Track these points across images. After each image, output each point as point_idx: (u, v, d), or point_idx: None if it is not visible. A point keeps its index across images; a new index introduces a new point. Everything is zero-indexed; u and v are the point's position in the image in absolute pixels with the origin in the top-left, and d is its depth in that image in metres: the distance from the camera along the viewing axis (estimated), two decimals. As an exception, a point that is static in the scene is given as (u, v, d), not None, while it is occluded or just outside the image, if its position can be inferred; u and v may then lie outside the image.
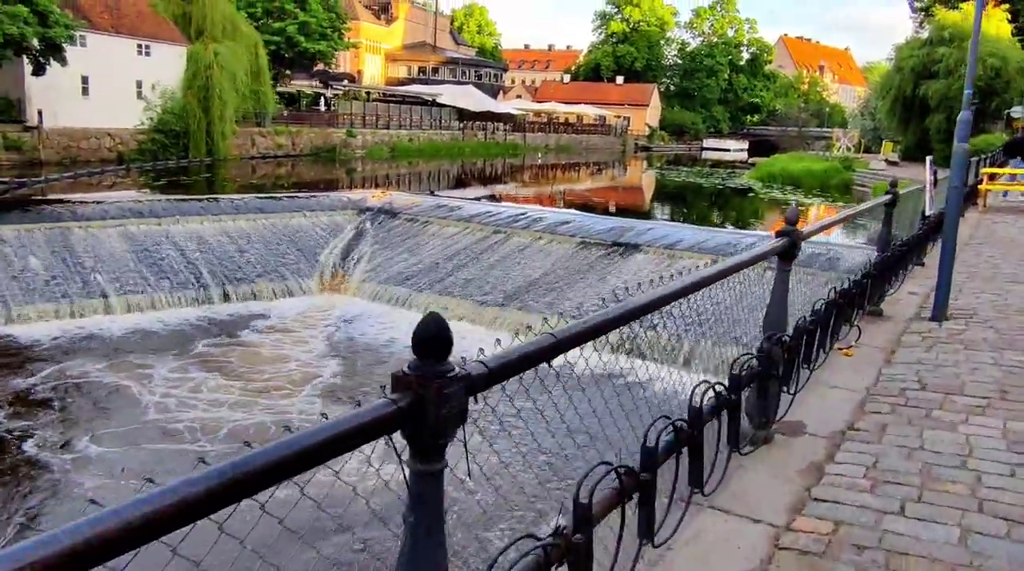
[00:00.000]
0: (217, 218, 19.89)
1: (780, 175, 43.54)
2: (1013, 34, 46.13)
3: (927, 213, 8.13)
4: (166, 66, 36.52)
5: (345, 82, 55.28)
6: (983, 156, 20.52)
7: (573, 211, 25.57)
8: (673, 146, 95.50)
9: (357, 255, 20.71)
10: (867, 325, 5.90)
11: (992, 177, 16.40)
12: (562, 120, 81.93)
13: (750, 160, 66.25)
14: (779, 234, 4.06)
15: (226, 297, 17.27)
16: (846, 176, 42.10)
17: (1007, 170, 17.26)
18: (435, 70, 73.77)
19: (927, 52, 47.03)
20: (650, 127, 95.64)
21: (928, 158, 8.11)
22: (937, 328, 5.94)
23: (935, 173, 8.28)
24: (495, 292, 18.41)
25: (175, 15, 39.03)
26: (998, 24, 47.61)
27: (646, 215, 31.57)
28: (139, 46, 37.40)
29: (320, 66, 58.63)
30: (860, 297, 5.21)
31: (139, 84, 36.49)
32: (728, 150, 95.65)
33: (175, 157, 36.14)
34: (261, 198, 22.54)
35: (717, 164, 68.81)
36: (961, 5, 48.37)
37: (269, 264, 18.94)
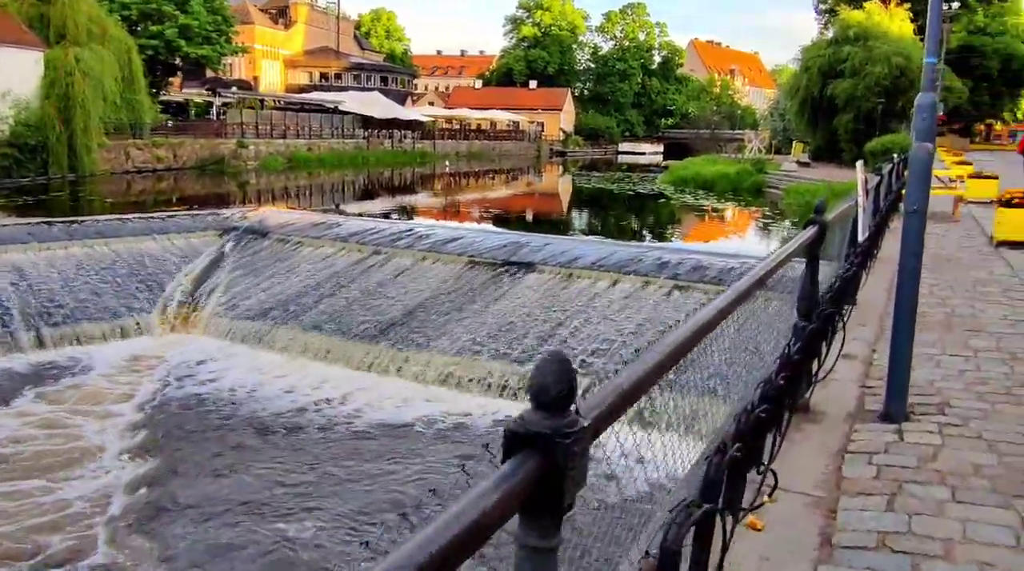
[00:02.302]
0: (45, 246, 16.71)
1: (693, 179, 42.21)
2: (915, 33, 46.00)
3: (860, 238, 6.07)
4: (18, 73, 32.62)
5: (234, 89, 51.61)
6: (902, 157, 19.02)
7: (464, 226, 23.26)
8: (589, 151, 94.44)
9: (212, 285, 17.75)
10: (790, 436, 3.69)
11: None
12: (474, 126, 79.79)
13: (665, 163, 65.38)
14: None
15: (39, 343, 14.16)
16: (758, 178, 41.02)
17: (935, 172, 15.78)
18: (338, 76, 70.51)
19: (833, 52, 46.60)
20: (565, 132, 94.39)
21: (859, 163, 5.98)
22: (895, 440, 3.77)
23: (867, 181, 6.20)
24: (368, 324, 15.80)
25: (30, 17, 35.08)
26: (900, 23, 47.55)
27: (554, 225, 29.48)
28: (-17, 51, 33.33)
29: (213, 73, 54.91)
30: (776, 417, 2.99)
31: (-16, 94, 32.51)
32: (644, 154, 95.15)
33: (32, 174, 32.31)
34: (104, 220, 19.38)
35: (633, 168, 67.62)
36: (865, 4, 48.13)
37: (101, 300, 15.84)
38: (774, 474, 2.92)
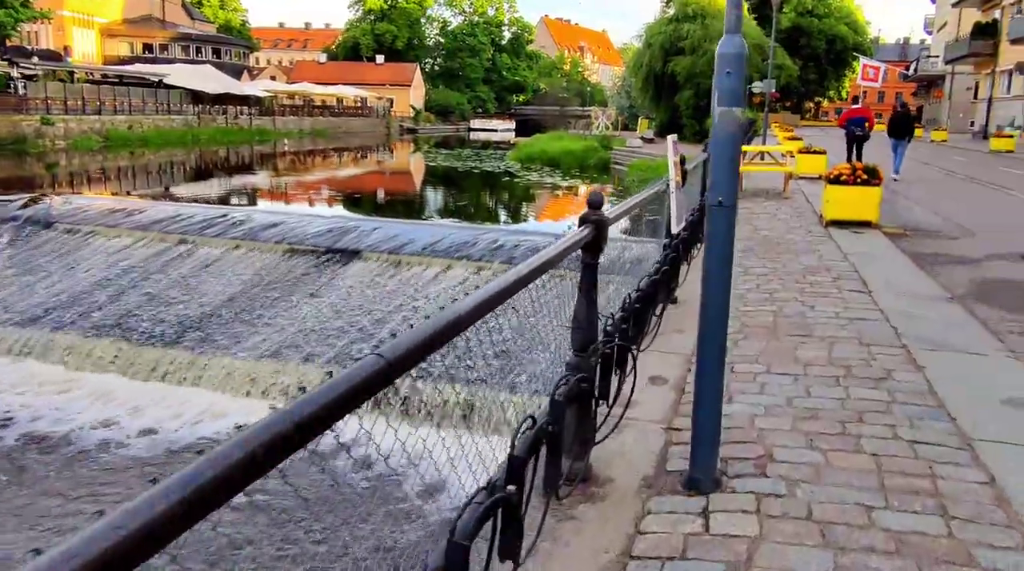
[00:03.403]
0: None
1: (539, 156, 41.47)
2: (750, 11, 47.19)
3: (674, 230, 5.00)
4: None
5: (35, 59, 46.21)
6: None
7: (288, 209, 21.27)
8: (440, 127, 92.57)
9: (-28, 287, 15.03)
10: (555, 530, 2.46)
11: (744, 155, 14.28)
12: (319, 103, 76.12)
13: (516, 140, 64.69)
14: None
15: None
16: (604, 155, 40.80)
17: (759, 147, 15.42)
18: (164, 47, 65.04)
19: (673, 29, 47.08)
20: (415, 108, 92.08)
21: (671, 138, 4.86)
22: (699, 530, 2.61)
23: (682, 159, 5.10)
24: (165, 326, 13.67)
25: None
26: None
27: (396, 206, 27.81)
28: None
29: (12, 43, 48.88)
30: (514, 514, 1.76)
31: None
32: (496, 130, 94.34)
33: None
34: None
35: (486, 145, 66.49)
36: (703, -19, 48.88)
37: None
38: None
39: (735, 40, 2.74)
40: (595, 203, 2.92)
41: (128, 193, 29.48)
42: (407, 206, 28.40)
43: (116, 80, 53.32)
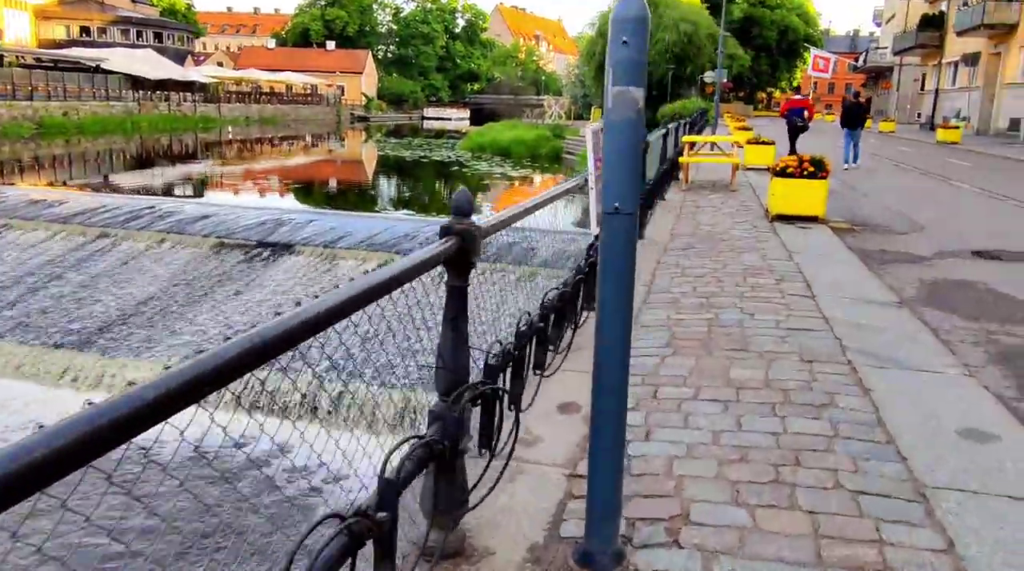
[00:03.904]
0: None
1: (490, 145, 40.75)
2: (702, 1, 47.05)
3: (593, 231, 4.41)
4: None
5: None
6: (681, 121, 18.27)
7: (220, 201, 20.28)
8: (393, 116, 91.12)
9: None
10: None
11: (691, 146, 13.77)
12: (267, 89, 74.18)
13: (470, 129, 63.77)
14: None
15: None
16: (557, 144, 40.28)
17: (709, 138, 14.95)
18: (103, 31, 62.73)
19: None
20: (366, 96, 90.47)
21: (588, 129, 4.22)
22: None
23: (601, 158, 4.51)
24: (78, 327, 12.74)
25: None
26: (688, -9, 48.44)
27: (332, 199, 26.87)
28: None
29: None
30: None
31: None
32: (450, 119, 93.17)
33: None
34: None
35: (440, 134, 65.45)
36: (652, -31, 48.51)
37: None
38: None
39: (634, 1, 2.12)
40: (461, 208, 2.30)
41: (65, 183, 28.20)
42: (349, 197, 27.52)
43: (51, 65, 51.13)
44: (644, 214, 8.35)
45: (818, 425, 3.35)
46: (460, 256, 2.29)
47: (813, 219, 9.27)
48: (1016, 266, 7.38)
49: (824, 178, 9.25)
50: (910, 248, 8.11)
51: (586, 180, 4.23)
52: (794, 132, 17.66)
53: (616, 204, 2.22)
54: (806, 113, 17.84)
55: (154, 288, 13.78)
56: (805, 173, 9.18)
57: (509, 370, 2.99)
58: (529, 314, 3.34)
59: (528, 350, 3.29)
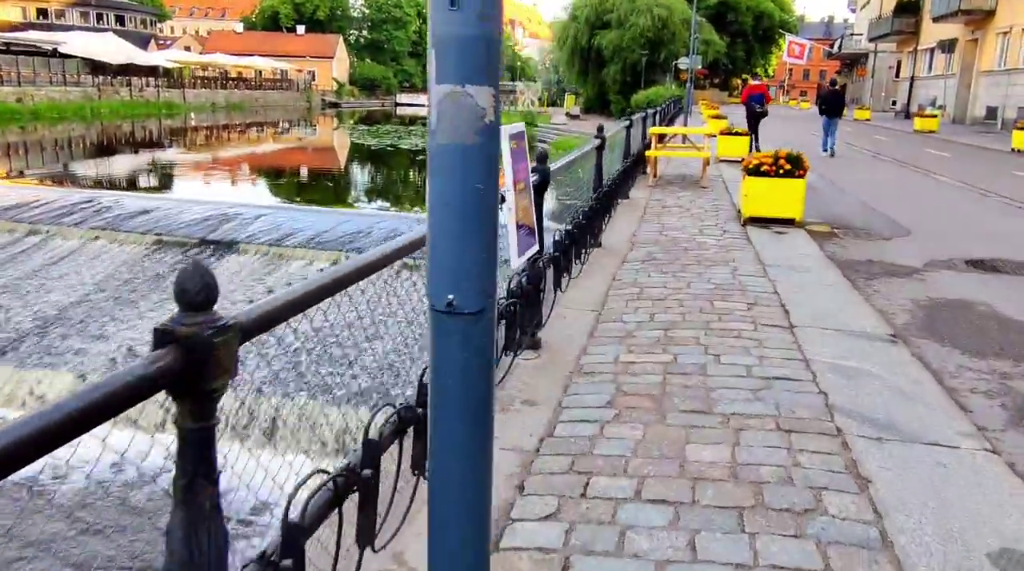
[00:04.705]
0: None
1: (459, 133, 39.52)
2: (676, -15, 45.99)
3: (514, 266, 3.41)
4: None
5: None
6: (650, 111, 17.36)
7: (164, 195, 19.12)
8: (365, 102, 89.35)
9: None
10: None
11: (661, 138, 12.82)
12: (235, 75, 72.25)
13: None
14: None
15: None
16: (530, 131, 39.30)
17: (678, 129, 14.05)
18: (61, 13, 60.55)
19: (600, 1, 45.61)
20: (338, 82, 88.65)
21: (506, 129, 3.24)
22: None
23: (523, 168, 3.47)
24: (-8, 334, 11.71)
25: None
26: (662, -26, 47.42)
27: (286, 190, 25.69)
28: None
29: None
30: None
31: None
32: (423, 106, 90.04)
33: None
34: None
35: (412, 121, 64.04)
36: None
37: None
38: None
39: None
40: (188, 298, 1.31)
41: (22, 173, 26.88)
42: (306, 188, 26.35)
43: (3, 48, 49.13)
44: (602, 218, 7.43)
45: (799, 551, 2.43)
46: (191, 376, 1.31)
47: (790, 222, 8.39)
48: (1017, 281, 6.54)
49: (802, 177, 8.35)
50: (897, 257, 7.23)
51: (503, 197, 3.31)
52: (754, 118, 17.58)
53: (451, 296, 1.26)
54: (765, 99, 17.80)
55: (83, 291, 12.73)
56: (781, 171, 8.28)
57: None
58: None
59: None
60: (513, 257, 3.40)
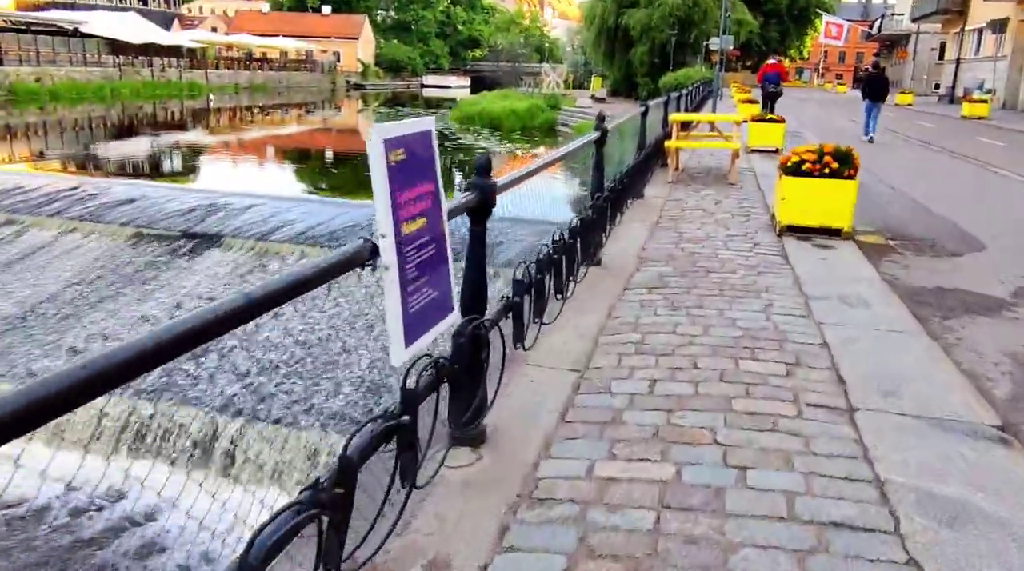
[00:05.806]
0: None
1: (480, 116, 38.05)
2: (709, -38, 43.89)
3: (393, 362, 2.11)
4: None
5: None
6: (680, 93, 15.85)
7: (144, 183, 18.04)
8: (390, 83, 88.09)
9: None
10: None
11: (685, 126, 11.30)
12: (260, 55, 71.35)
13: (467, 98, 60.97)
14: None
15: None
16: (550, 116, 37.64)
17: (701, 116, 12.53)
18: (84, -8, 59.93)
19: (628, -23, 43.74)
20: (363, 63, 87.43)
21: (375, 130, 1.86)
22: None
23: (427, 192, 2.16)
24: (-57, 338, 10.74)
25: None
26: (694, -49, 45.27)
27: (288, 175, 24.55)
28: None
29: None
30: None
31: None
32: (450, 87, 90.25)
33: None
34: None
35: (438, 103, 62.67)
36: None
37: None
38: None
39: None
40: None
41: (42, 154, 26.18)
42: (328, 172, 25.25)
43: (23, 28, 48.50)
44: (605, 225, 6.05)
45: None
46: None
47: (836, 233, 6.92)
48: None
49: (852, 177, 6.85)
50: (975, 282, 5.75)
51: (372, 247, 2.02)
52: (771, 97, 17.84)
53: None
54: (780, 79, 18.08)
55: (52, 288, 11.68)
56: (827, 171, 6.79)
57: None
58: None
59: None
60: (395, 348, 2.05)
